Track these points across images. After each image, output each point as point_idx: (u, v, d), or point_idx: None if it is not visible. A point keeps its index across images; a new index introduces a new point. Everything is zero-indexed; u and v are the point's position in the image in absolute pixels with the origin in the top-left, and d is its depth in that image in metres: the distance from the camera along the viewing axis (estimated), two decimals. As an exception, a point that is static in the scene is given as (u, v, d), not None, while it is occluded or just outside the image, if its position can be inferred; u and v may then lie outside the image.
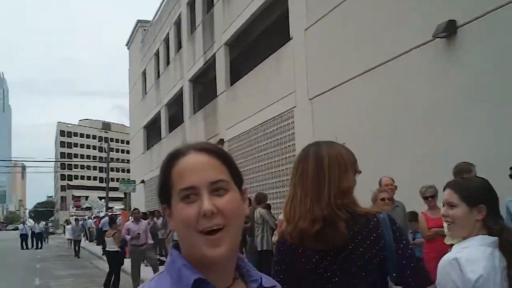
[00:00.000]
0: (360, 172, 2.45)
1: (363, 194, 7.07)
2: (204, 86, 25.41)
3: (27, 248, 37.33)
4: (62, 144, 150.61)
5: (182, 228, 1.24)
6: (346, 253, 2.21)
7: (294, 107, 15.23)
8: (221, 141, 20.69)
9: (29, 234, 38.84)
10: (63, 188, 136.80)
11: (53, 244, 42.61)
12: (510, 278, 2.42)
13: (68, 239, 34.05)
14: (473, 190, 2.61)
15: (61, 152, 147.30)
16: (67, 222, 41.17)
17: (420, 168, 9.42)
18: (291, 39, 15.49)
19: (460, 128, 8.97)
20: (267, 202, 11.35)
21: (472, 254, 2.45)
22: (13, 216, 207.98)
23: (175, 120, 29.15)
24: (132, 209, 16.27)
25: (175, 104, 29.35)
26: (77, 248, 28.12)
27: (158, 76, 33.00)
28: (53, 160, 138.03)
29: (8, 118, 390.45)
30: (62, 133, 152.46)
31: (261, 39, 19.29)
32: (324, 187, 2.27)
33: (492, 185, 2.70)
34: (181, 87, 27.43)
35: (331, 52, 13.26)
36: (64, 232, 44.14)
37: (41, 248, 37.60)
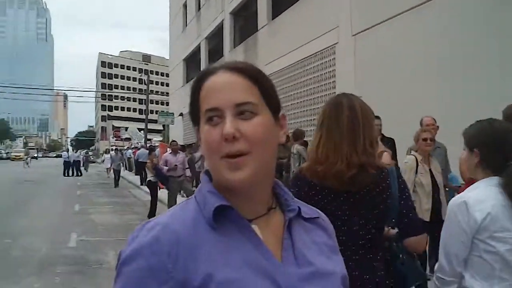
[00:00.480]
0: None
1: (404, 134, 6.92)
2: (245, 20, 25.06)
3: (69, 175, 38.14)
4: (103, 75, 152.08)
5: (206, 151, 1.17)
6: (359, 196, 2.47)
7: (336, 43, 14.91)
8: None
9: (71, 161, 39.63)
10: (103, 118, 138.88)
11: (93, 173, 43.52)
12: None
13: (107, 168, 34.79)
14: (470, 135, 2.72)
15: (102, 83, 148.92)
16: (107, 151, 41.80)
17: (468, 108, 9.09)
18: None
19: None
20: (305, 139, 11.22)
21: (480, 194, 2.52)
22: (55, 144, 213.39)
23: (215, 54, 28.90)
24: (170, 141, 16.38)
25: (216, 37, 29.12)
26: (116, 177, 28.61)
27: (199, 9, 32.61)
28: (94, 90, 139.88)
29: (50, 48, 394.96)
30: (103, 64, 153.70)
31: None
32: (359, 136, 2.49)
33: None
34: (222, 20, 27.15)
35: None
36: (103, 161, 45.00)
37: (81, 175, 38.45)
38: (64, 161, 39.73)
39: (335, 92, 14.44)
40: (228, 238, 1.13)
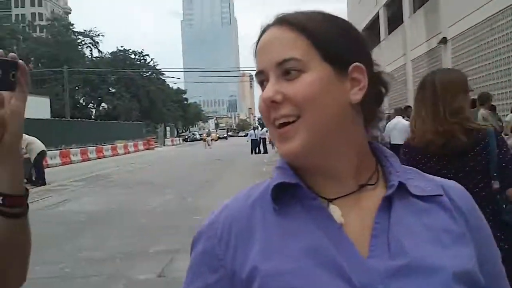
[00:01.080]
0: (472, 90, 3.12)
1: None
2: (424, -17, 24.00)
3: (256, 153, 39.37)
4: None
5: (265, 122, 1.02)
6: (461, 157, 2.84)
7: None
8: (444, 39, 19.59)
9: (259, 139, 40.82)
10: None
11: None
12: None
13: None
14: None
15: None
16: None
17: None
18: None
19: None
20: (492, 103, 10.50)
21: None
22: (243, 124, 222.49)
23: (395, 21, 28.12)
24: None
25: (394, 3, 28.28)
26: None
27: (376, -24, 31.81)
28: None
29: (234, 31, 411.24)
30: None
31: None
32: (440, 110, 2.88)
33: None
34: (401, -15, 26.27)
35: None
36: None
37: (266, 152, 39.48)
38: (251, 139, 40.99)
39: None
40: (291, 222, 0.98)
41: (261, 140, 41.09)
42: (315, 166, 1.00)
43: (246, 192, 1.07)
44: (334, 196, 0.99)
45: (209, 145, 56.27)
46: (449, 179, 1.08)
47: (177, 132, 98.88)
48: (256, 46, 1.04)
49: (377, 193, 1.00)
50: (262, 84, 1.01)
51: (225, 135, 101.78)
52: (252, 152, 39.46)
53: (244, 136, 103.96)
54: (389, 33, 29.09)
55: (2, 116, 1.04)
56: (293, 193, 0.99)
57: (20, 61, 1.07)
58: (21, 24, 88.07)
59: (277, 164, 1.06)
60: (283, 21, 1.01)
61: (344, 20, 1.06)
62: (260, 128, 47.70)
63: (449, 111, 2.87)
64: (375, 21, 32.56)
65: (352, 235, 0.95)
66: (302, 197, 0.99)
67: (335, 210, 0.97)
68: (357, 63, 0.99)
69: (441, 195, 1.02)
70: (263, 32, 1.03)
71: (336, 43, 0.99)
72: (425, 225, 0.97)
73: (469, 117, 2.94)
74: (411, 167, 1.08)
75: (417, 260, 0.91)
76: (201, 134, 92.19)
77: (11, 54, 1.06)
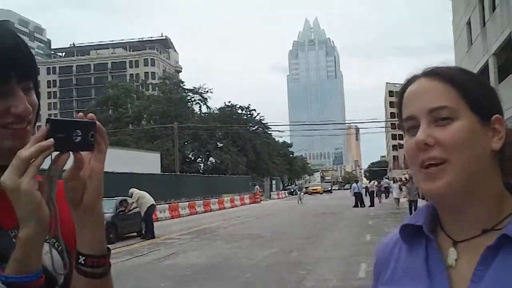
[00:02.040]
0: None
1: None
2: (536, 29, 23.07)
3: (359, 206, 38.79)
4: (392, 104, 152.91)
5: (408, 162, 1.11)
6: None
7: None
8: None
9: (363, 192, 40.24)
10: (394, 148, 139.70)
11: (386, 202, 43.71)
12: None
13: (395, 198, 35.10)
14: None
15: (390, 112, 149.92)
16: (394, 180, 41.43)
17: None
18: None
19: None
20: None
21: None
22: (349, 176, 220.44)
23: (505, 70, 27.11)
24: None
25: (504, 52, 27.34)
26: (413, 208, 28.03)
27: (484, 24, 31.03)
28: (383, 120, 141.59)
29: (340, 84, 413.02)
30: (390, 93, 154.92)
31: None
32: None
33: None
34: (510, 33, 25.41)
35: None
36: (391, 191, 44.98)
37: (373, 206, 38.80)
38: (355, 192, 40.51)
39: None
40: (411, 259, 1.12)
41: (367, 193, 40.52)
42: (453, 206, 1.07)
43: (397, 230, 1.20)
44: (461, 238, 1.07)
45: (300, 199, 52.70)
46: None
47: (283, 185, 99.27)
48: (402, 95, 1.14)
49: (489, 236, 1.04)
50: (410, 129, 1.09)
51: (330, 188, 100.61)
52: (355, 205, 38.93)
53: (347, 189, 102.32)
54: (500, 81, 28.09)
55: (82, 177, 1.06)
56: (422, 234, 1.12)
57: (98, 122, 1.08)
58: (135, 83, 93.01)
59: (428, 203, 1.16)
60: (434, 73, 1.10)
61: (482, 77, 1.16)
62: (367, 181, 47.09)
63: None
64: (484, 70, 31.58)
65: (457, 278, 1.04)
66: (427, 238, 1.11)
67: (451, 254, 1.07)
68: (498, 115, 1.09)
69: None
70: (409, 82, 1.13)
71: (481, 96, 1.08)
72: None
73: None
74: None
75: None
76: (307, 187, 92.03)
77: (90, 114, 1.08)
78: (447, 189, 1.02)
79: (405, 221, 1.14)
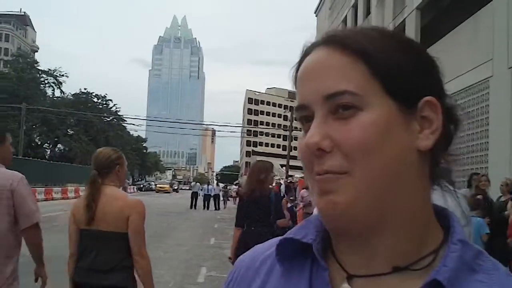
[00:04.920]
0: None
1: None
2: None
3: (208, 208, 38.70)
4: (250, 111, 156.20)
5: (304, 169, 0.78)
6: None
7: (490, 77, 13.80)
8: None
9: (212, 194, 40.40)
10: (248, 154, 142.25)
11: (233, 207, 44.07)
12: None
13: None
14: None
15: (248, 119, 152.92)
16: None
17: None
18: (491, 1, 14.01)
19: None
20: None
21: None
22: (201, 177, 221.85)
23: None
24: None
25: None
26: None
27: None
28: (240, 125, 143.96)
29: (202, 85, 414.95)
30: (250, 100, 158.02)
31: (456, 2, 17.85)
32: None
33: None
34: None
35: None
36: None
37: (218, 209, 39.02)
38: (204, 194, 40.40)
39: (488, 129, 13.43)
40: (286, 283, 0.80)
41: (216, 196, 40.76)
42: (351, 229, 0.74)
43: (272, 242, 0.86)
44: (358, 272, 0.75)
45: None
46: None
47: (133, 180, 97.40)
48: (297, 72, 0.79)
49: (420, 282, 0.71)
50: (304, 121, 0.77)
51: (176, 188, 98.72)
52: (203, 207, 38.60)
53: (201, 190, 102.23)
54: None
55: None
56: (307, 253, 0.80)
57: None
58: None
59: (314, 215, 0.83)
60: (334, 41, 0.76)
61: (409, 38, 0.78)
62: (217, 184, 47.59)
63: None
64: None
65: None
66: (313, 261, 0.79)
67: None
68: (429, 97, 0.74)
69: None
70: (306, 53, 0.79)
71: (402, 71, 0.74)
72: None
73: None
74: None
75: None
76: (157, 184, 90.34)
77: None
78: (346, 207, 0.71)
79: (287, 233, 0.81)
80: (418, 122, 0.73)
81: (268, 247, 0.87)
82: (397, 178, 0.72)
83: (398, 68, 0.72)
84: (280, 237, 0.82)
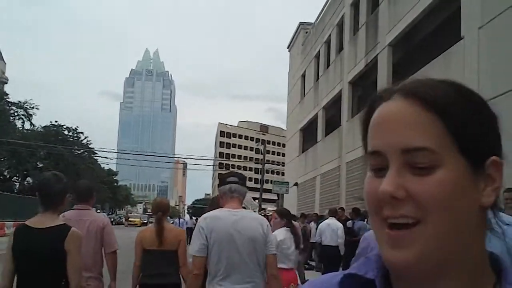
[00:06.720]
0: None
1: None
2: (364, 89, 24.68)
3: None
4: (222, 144, 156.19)
5: (367, 207, 0.79)
6: None
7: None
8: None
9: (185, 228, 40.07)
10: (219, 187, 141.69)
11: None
12: None
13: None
14: None
15: (220, 152, 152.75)
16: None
17: None
18: (462, 38, 14.32)
19: None
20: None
21: None
22: (173, 211, 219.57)
23: (332, 124, 28.64)
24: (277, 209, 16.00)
25: (333, 107, 28.89)
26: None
27: (317, 79, 32.70)
28: (212, 159, 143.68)
29: (174, 118, 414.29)
30: (222, 133, 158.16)
31: (427, 39, 18.21)
32: None
33: None
34: (340, 90, 26.98)
35: (509, 53, 11.98)
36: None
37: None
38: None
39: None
40: None
41: (189, 230, 40.38)
42: (415, 278, 0.76)
43: (334, 275, 0.89)
44: None
45: None
46: None
47: (104, 213, 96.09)
48: (369, 115, 0.83)
49: None
50: (376, 168, 0.79)
51: (146, 221, 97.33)
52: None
53: (172, 223, 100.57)
54: (326, 134, 29.52)
55: None
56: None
57: None
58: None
59: (375, 251, 0.84)
60: (414, 95, 0.77)
61: (479, 95, 0.80)
62: (190, 217, 47.15)
63: None
64: (313, 122, 33.07)
65: None
66: None
67: None
68: (495, 157, 0.77)
69: None
70: (381, 98, 0.82)
71: (476, 130, 0.76)
72: None
73: None
74: None
75: None
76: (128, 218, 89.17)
77: None
78: (417, 261, 0.73)
79: (350, 269, 0.83)
80: (483, 180, 0.76)
81: (326, 281, 0.89)
82: (464, 231, 0.75)
83: (472, 128, 0.75)
84: (343, 272, 0.85)
